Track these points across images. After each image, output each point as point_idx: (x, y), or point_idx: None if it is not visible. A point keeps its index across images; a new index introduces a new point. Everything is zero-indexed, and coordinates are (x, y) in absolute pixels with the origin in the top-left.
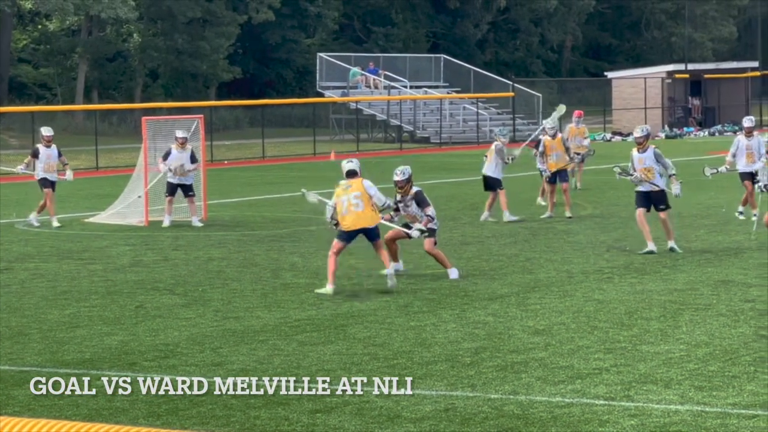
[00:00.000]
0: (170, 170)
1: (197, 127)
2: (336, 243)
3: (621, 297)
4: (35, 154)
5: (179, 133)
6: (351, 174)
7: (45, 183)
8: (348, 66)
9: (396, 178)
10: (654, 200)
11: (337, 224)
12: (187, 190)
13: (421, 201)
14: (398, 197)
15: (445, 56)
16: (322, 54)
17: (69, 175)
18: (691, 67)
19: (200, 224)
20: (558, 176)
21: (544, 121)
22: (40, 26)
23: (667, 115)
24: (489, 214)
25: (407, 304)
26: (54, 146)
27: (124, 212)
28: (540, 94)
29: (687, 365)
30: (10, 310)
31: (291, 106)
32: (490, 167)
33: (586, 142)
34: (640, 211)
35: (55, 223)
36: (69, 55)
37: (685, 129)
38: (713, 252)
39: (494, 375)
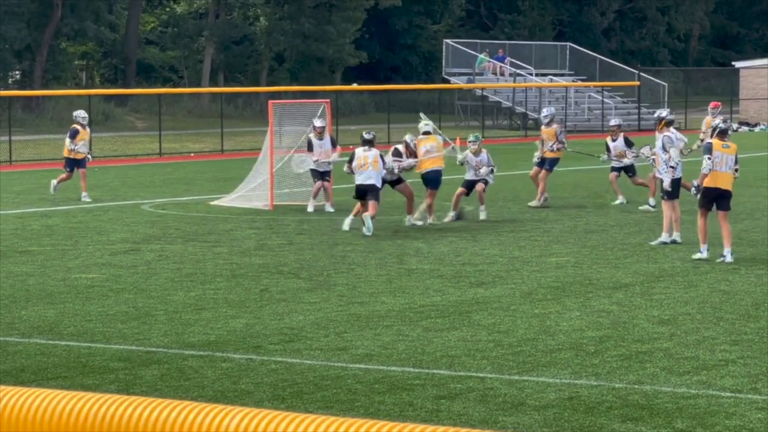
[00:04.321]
0: (314, 161)
1: (324, 111)
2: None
3: (748, 288)
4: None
5: (317, 123)
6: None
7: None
8: (474, 53)
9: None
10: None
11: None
12: (324, 174)
13: None
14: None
15: (570, 44)
16: (448, 40)
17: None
18: None
19: (332, 210)
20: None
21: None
22: (168, 9)
23: None
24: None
25: (531, 292)
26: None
27: (249, 195)
28: (666, 84)
29: None
30: (137, 290)
31: (417, 91)
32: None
33: None
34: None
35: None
36: (196, 38)
37: None
38: None
39: (618, 364)
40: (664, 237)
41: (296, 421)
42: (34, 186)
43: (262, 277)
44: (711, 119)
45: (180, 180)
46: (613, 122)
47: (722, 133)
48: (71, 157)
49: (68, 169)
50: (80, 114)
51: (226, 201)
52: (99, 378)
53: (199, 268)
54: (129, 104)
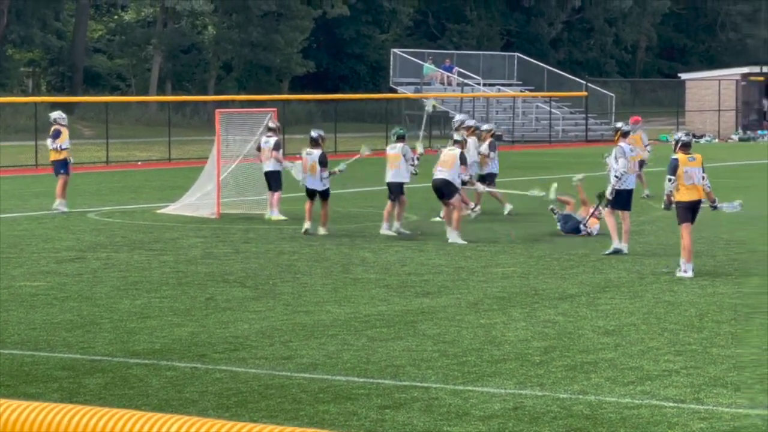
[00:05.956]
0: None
1: (270, 120)
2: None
3: (692, 299)
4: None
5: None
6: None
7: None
8: (421, 62)
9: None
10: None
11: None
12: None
13: None
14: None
15: (518, 54)
16: (395, 50)
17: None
18: (766, 69)
19: (283, 217)
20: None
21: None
22: (116, 17)
23: (741, 118)
24: (388, 226)
25: (477, 302)
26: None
27: (195, 204)
28: (613, 94)
29: (758, 369)
30: (82, 299)
31: (364, 101)
32: (397, 172)
33: (646, 155)
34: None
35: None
36: (144, 46)
37: (758, 132)
38: None
39: (563, 374)
40: (615, 244)
41: (241, 430)
42: None
43: (208, 285)
44: (632, 134)
45: (127, 188)
46: (484, 126)
47: (685, 146)
48: (57, 159)
49: (62, 172)
50: (60, 115)
51: (173, 209)
52: (42, 387)
53: (144, 277)
54: (76, 112)
